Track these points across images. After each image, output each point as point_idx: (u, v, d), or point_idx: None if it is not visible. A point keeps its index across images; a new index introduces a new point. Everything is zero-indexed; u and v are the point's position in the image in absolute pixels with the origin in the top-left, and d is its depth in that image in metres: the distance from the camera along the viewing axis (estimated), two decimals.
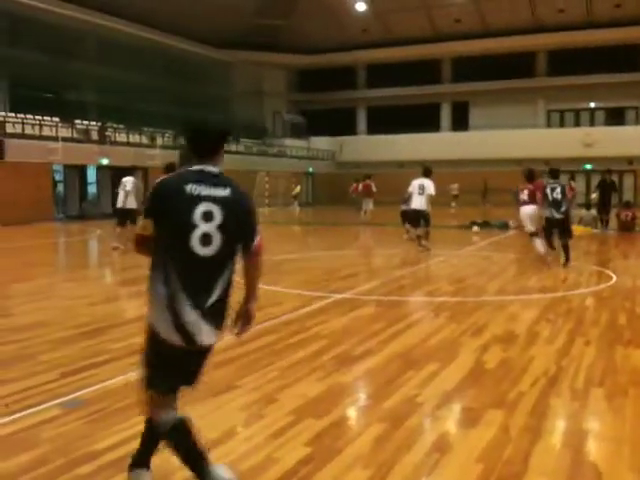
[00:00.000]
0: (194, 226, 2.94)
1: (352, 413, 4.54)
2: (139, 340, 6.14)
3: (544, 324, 7.07)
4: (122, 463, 3.55)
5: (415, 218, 14.77)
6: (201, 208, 2.95)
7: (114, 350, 5.92)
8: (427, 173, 15.07)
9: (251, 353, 5.83)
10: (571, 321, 7.22)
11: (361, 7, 42.02)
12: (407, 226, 16.13)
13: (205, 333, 3.07)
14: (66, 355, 5.76)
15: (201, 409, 4.38)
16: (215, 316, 3.08)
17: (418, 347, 6.09)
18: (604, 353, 5.89)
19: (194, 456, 3.14)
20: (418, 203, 14.51)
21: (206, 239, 2.96)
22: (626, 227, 19.15)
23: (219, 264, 3.03)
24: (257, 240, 3.17)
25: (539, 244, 11.71)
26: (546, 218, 11.52)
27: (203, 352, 3.20)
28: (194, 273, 2.98)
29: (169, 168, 9.54)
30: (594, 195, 20.61)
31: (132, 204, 14.90)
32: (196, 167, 3.05)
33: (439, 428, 4.17)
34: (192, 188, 2.96)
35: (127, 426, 4.06)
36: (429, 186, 14.52)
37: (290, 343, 6.20)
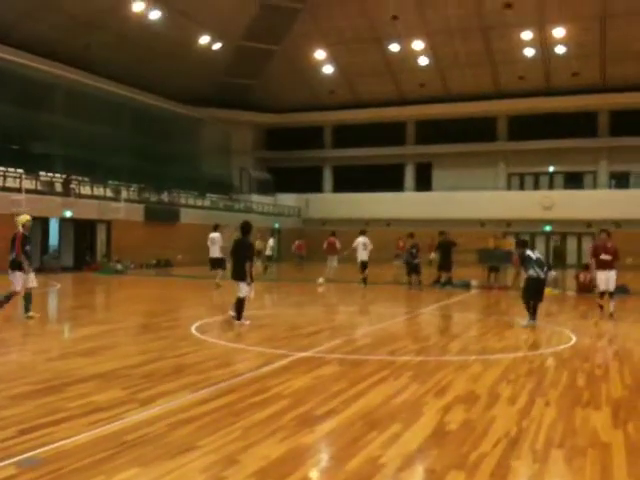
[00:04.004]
0: None
1: (315, 474, 4.48)
2: (96, 399, 6.09)
3: (505, 385, 7.12)
4: None
5: (362, 266, 20.55)
6: None
7: (71, 408, 5.77)
8: (364, 232, 21.27)
9: (212, 412, 5.75)
10: (532, 382, 7.29)
11: (329, 70, 43.08)
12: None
13: None
14: (23, 412, 5.60)
15: (159, 470, 4.29)
16: None
17: (381, 407, 6.07)
18: (564, 414, 5.95)
19: None
20: (363, 255, 20.53)
21: None
22: (585, 289, 19.55)
23: None
24: None
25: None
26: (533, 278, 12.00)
27: None
28: None
29: None
30: (433, 255, 21.36)
31: (219, 254, 19.54)
32: None
33: None
34: None
35: None
36: (368, 243, 20.72)
37: (252, 402, 6.13)
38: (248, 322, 11.53)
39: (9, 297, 11.90)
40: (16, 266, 11.67)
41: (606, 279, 13.23)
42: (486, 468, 4.47)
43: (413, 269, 20.73)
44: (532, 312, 12.00)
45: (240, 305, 11.51)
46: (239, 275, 11.49)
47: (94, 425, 5.27)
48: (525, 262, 11.95)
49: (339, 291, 20.23)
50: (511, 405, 6.25)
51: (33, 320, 11.70)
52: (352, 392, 6.62)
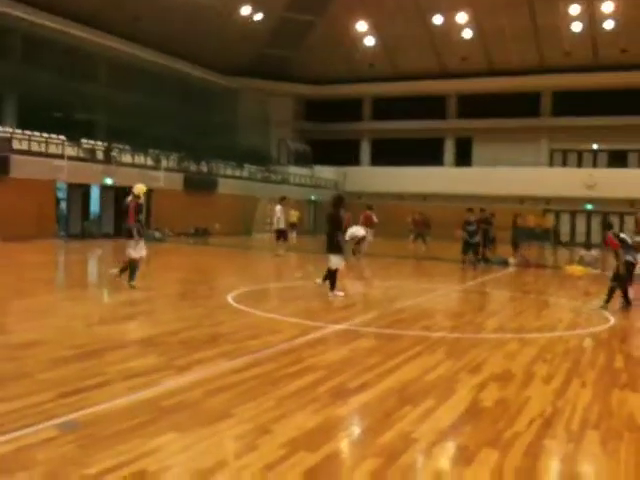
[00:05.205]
0: None
1: (347, 447, 4.52)
2: (134, 364, 6.20)
3: (541, 364, 7.06)
4: None
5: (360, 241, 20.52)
6: None
7: (110, 373, 5.91)
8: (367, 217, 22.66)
9: (247, 381, 5.83)
10: (568, 362, 7.22)
11: (370, 42, 42.56)
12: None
13: None
14: (63, 375, 5.75)
15: (194, 437, 4.38)
16: None
17: (415, 382, 6.08)
18: (600, 396, 5.88)
19: None
20: (359, 232, 20.16)
21: None
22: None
23: None
24: None
25: None
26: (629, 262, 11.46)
27: None
28: None
29: None
30: (477, 238, 19.88)
31: (282, 225, 21.16)
32: None
33: (434, 465, 4.16)
34: None
35: (121, 451, 4.04)
36: (360, 228, 20.50)
37: (287, 373, 6.19)
38: (342, 293, 11.74)
39: (127, 266, 11.78)
40: (130, 234, 11.64)
41: None
42: (520, 446, 4.45)
43: (471, 247, 20.08)
44: (626, 296, 11.46)
45: (332, 277, 11.68)
46: (329, 247, 11.76)
47: (132, 390, 5.38)
48: (624, 247, 11.46)
49: (372, 265, 20.19)
50: (546, 385, 6.20)
51: (134, 289, 11.47)
52: (386, 366, 6.64)
